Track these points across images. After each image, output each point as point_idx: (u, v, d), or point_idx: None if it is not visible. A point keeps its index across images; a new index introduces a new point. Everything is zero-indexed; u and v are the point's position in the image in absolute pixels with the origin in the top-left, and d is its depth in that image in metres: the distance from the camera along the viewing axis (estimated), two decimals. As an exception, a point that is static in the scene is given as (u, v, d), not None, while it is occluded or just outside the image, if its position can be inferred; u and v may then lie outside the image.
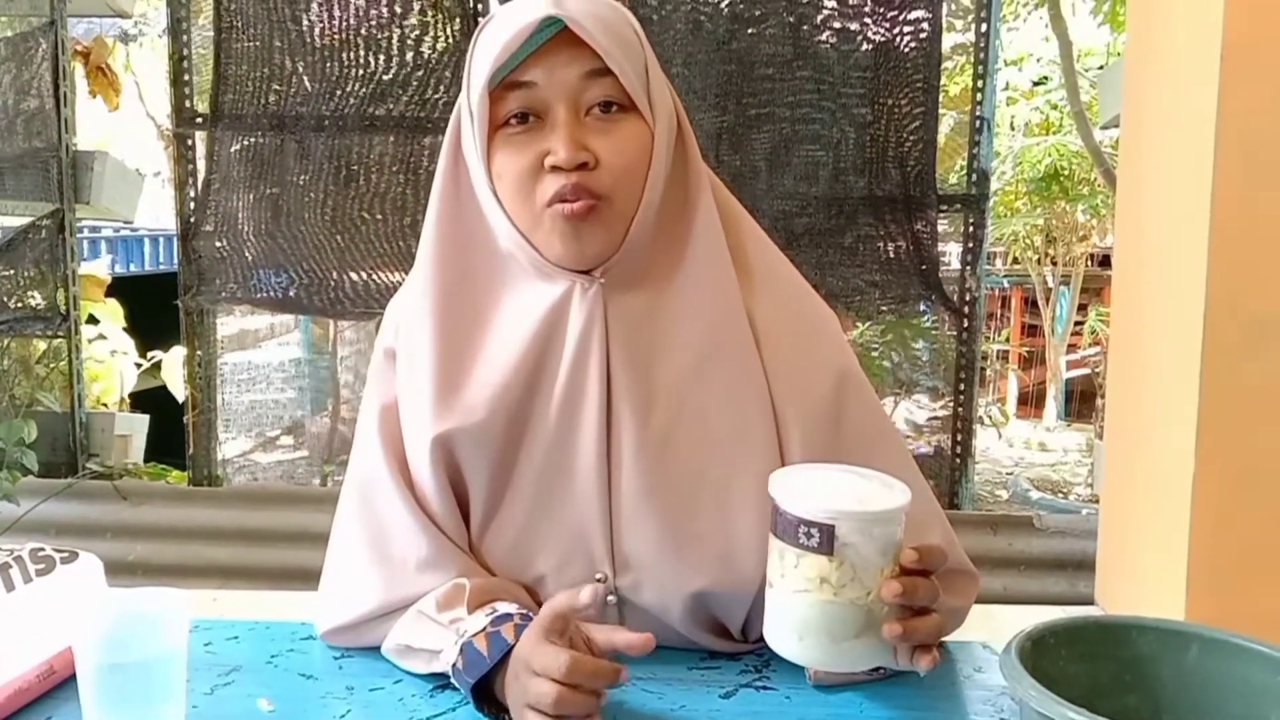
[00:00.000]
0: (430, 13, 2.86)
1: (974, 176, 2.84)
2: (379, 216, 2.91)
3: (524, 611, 0.93)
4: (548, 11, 0.91)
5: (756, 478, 0.94)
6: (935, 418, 3.03)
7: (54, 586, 0.95)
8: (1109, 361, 2.08)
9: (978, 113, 2.81)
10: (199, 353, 3.07)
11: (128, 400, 3.82)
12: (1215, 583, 1.56)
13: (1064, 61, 4.19)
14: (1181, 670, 0.80)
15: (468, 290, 1.02)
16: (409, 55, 2.88)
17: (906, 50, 2.72)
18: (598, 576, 0.99)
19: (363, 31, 2.88)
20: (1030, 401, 8.28)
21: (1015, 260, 8.02)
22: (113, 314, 3.76)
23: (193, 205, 2.99)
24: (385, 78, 2.88)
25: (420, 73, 2.88)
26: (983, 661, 1.05)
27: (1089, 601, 2.21)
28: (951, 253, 3.06)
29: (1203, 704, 0.79)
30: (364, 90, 2.89)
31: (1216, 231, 1.51)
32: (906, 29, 2.71)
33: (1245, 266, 1.52)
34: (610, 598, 0.99)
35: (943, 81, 2.82)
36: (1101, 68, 6.15)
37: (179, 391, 3.31)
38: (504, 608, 0.93)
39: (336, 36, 2.89)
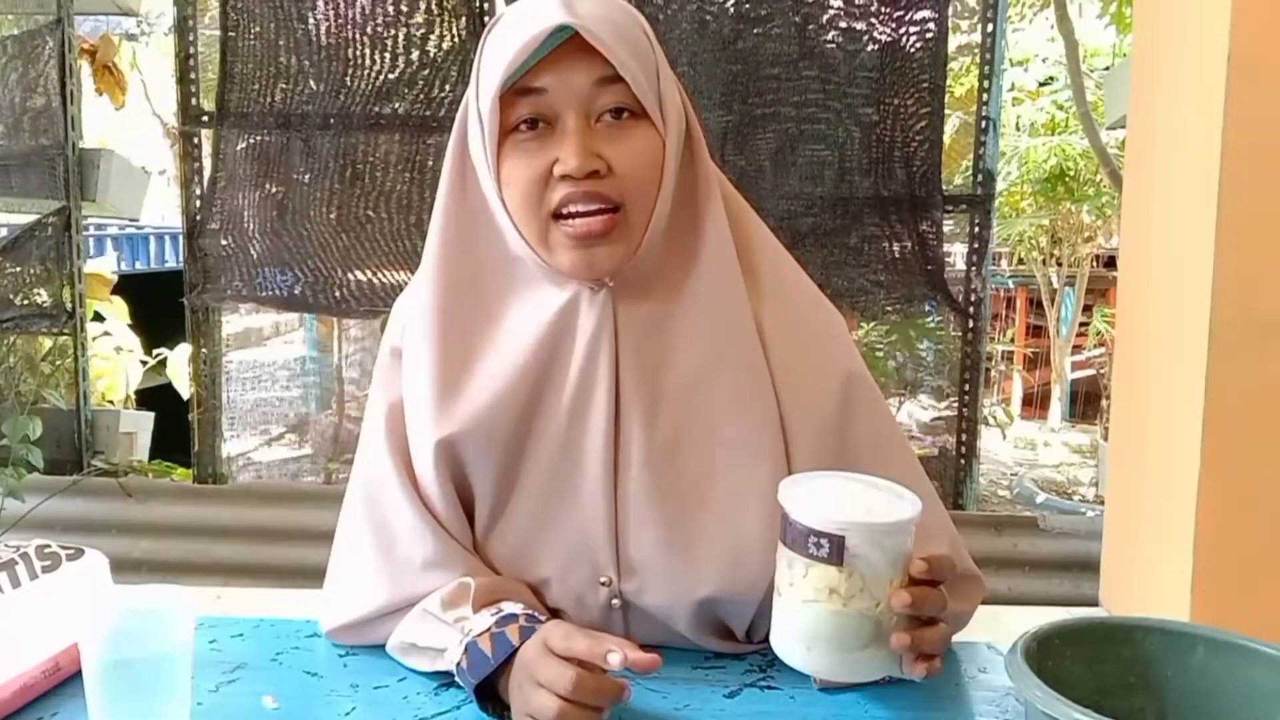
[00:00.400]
0: (436, 11, 2.86)
1: (979, 177, 2.84)
2: (384, 215, 2.91)
3: (529, 612, 0.93)
4: (560, 18, 0.90)
5: (763, 484, 0.94)
6: (940, 418, 3.03)
7: (60, 583, 0.95)
8: (1114, 362, 2.07)
9: (983, 113, 2.81)
10: (204, 350, 3.08)
11: (133, 398, 3.83)
12: (1220, 585, 1.56)
13: (1070, 62, 4.18)
14: (1187, 671, 0.79)
15: (473, 292, 1.01)
16: (415, 54, 2.88)
17: (912, 50, 2.72)
18: (602, 581, 0.99)
19: (368, 30, 2.88)
20: (1035, 402, 8.26)
21: (1020, 261, 8.00)
22: (118, 312, 3.77)
23: (198, 203, 2.99)
24: (391, 76, 2.89)
25: (426, 71, 2.88)
26: (987, 662, 1.05)
27: (1093, 603, 2.20)
28: (957, 253, 3.05)
29: (1208, 705, 0.78)
30: (369, 89, 2.89)
31: (1223, 233, 1.51)
32: (912, 29, 2.71)
33: (1252, 268, 1.52)
34: (615, 601, 0.99)
35: (948, 82, 2.82)
36: (1107, 68, 6.14)
37: (185, 388, 3.31)
38: (509, 608, 0.93)
39: (342, 35, 2.89)
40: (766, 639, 0.91)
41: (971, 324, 2.86)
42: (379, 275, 2.95)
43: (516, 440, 0.98)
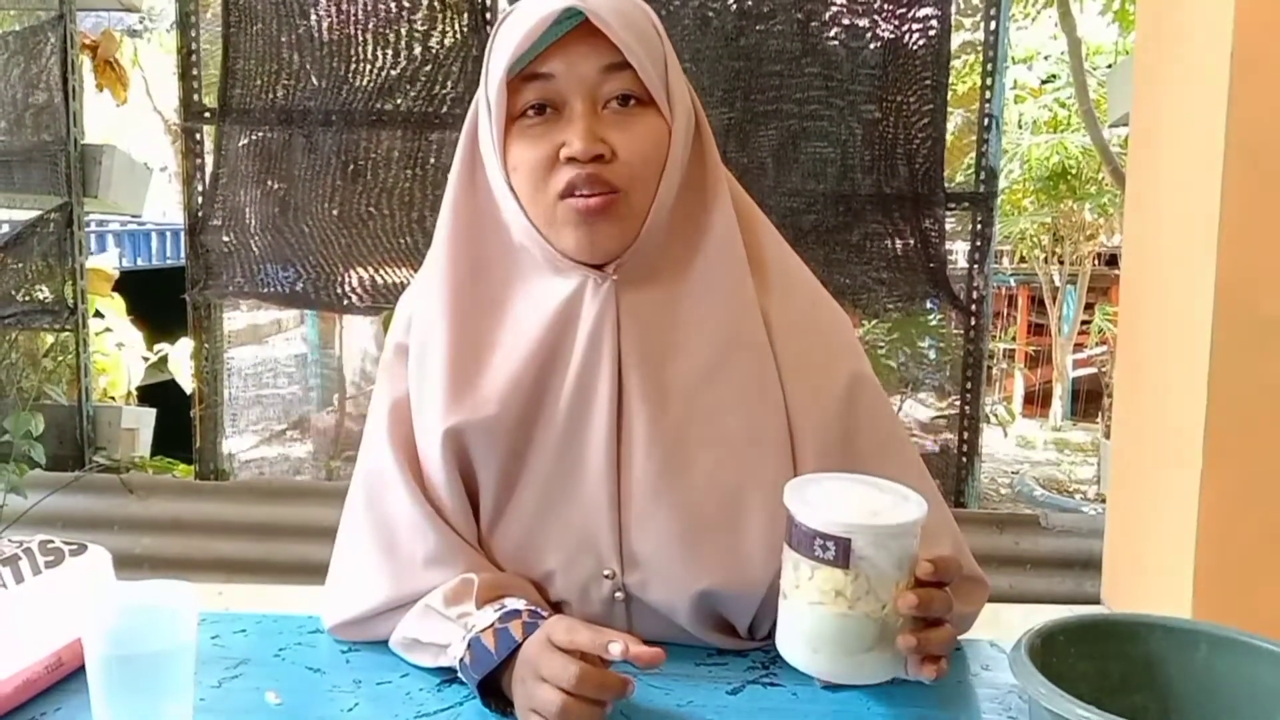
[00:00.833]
0: (438, 7, 2.86)
1: (982, 175, 2.83)
2: (386, 212, 2.91)
3: (533, 608, 0.93)
4: (569, 3, 0.90)
5: (768, 479, 0.94)
6: (941, 416, 3.03)
7: (63, 578, 0.95)
8: (1117, 360, 2.08)
9: (986, 110, 2.80)
10: (206, 347, 3.08)
11: (134, 394, 3.83)
12: (1222, 583, 1.56)
13: (1072, 60, 4.18)
14: (1190, 669, 0.79)
15: (481, 283, 1.01)
16: (417, 50, 2.88)
17: (915, 48, 2.72)
18: (605, 573, 0.99)
19: (371, 26, 2.88)
20: (1036, 400, 8.26)
21: (1022, 259, 8.00)
22: (118, 308, 3.77)
23: (200, 200, 3.00)
24: (393, 73, 2.89)
25: (428, 68, 2.88)
26: (990, 659, 1.05)
27: (1095, 601, 2.21)
28: (959, 251, 3.06)
29: (1211, 703, 0.78)
30: (372, 85, 2.89)
31: (1225, 230, 1.51)
32: (915, 26, 2.71)
33: (1255, 266, 1.52)
34: (618, 594, 0.99)
35: (951, 79, 2.82)
36: (1110, 66, 6.13)
37: (187, 383, 3.32)
38: (513, 604, 0.93)
39: (344, 31, 2.89)
40: (769, 636, 0.91)
41: (973, 322, 2.86)
42: (381, 272, 2.95)
43: (521, 431, 0.99)
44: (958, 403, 2.92)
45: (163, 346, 3.83)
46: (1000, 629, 1.05)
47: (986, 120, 2.81)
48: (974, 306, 2.84)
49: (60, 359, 3.31)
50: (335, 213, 2.92)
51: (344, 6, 2.87)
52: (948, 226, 2.81)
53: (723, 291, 0.99)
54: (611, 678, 0.83)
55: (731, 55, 2.74)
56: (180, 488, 3.09)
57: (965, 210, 2.85)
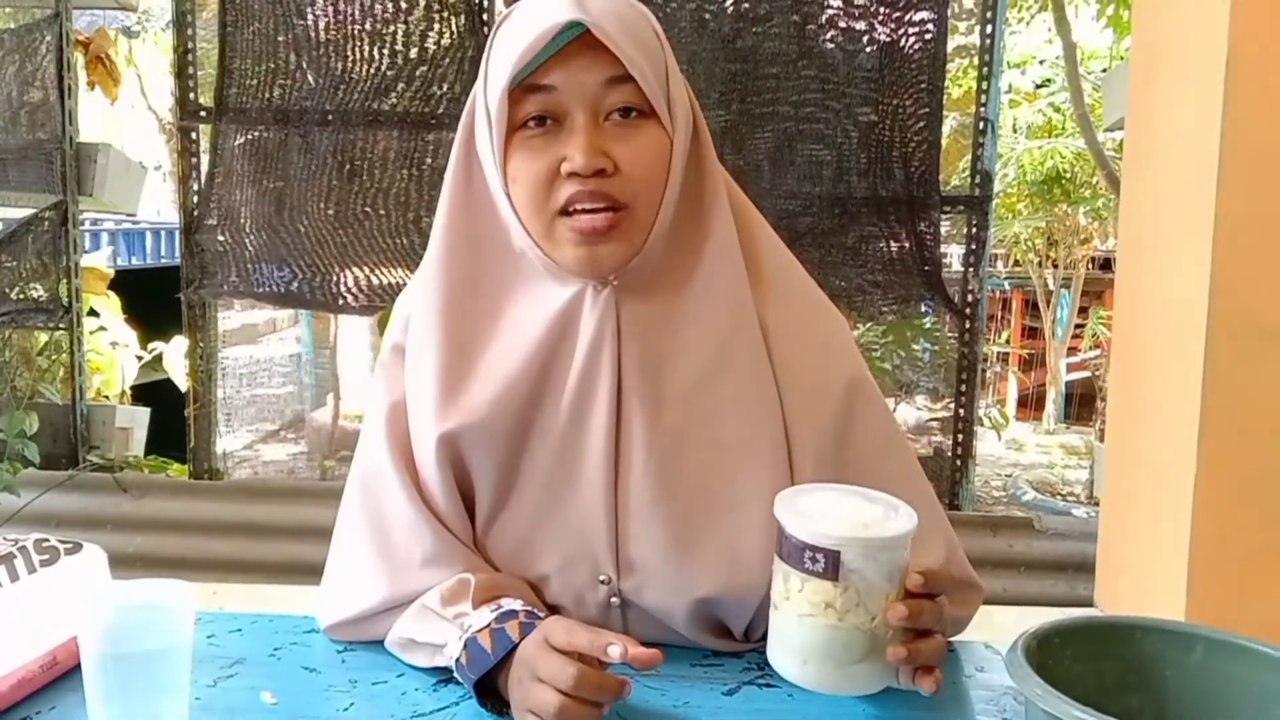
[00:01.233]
0: (435, 7, 2.86)
1: (977, 178, 2.84)
2: (382, 212, 2.91)
3: (529, 609, 0.93)
4: (571, 15, 0.89)
5: (765, 485, 0.94)
6: (936, 419, 3.03)
7: (58, 577, 0.95)
8: (1111, 364, 2.08)
9: (981, 114, 2.81)
10: (200, 346, 3.08)
11: (129, 393, 3.82)
12: (1216, 586, 1.56)
13: (1067, 64, 4.19)
14: (1186, 671, 0.80)
15: (477, 286, 1.01)
16: (413, 50, 2.88)
17: (911, 51, 2.73)
18: (601, 579, 0.98)
19: (367, 26, 2.88)
20: (1030, 404, 8.28)
21: (1016, 262, 8.02)
22: (113, 307, 3.76)
23: (195, 199, 2.99)
24: (389, 73, 2.89)
25: (424, 68, 2.88)
26: (985, 661, 1.05)
27: (1088, 603, 2.21)
28: (953, 254, 3.06)
29: (1207, 705, 0.79)
30: (368, 85, 2.89)
31: (1221, 235, 1.51)
32: (911, 30, 2.72)
33: (1250, 270, 1.52)
34: (614, 600, 0.99)
35: (946, 83, 2.82)
36: (1105, 71, 6.15)
37: (183, 382, 3.31)
38: (509, 604, 0.93)
39: (341, 31, 2.89)
40: (764, 638, 0.91)
41: (968, 325, 2.87)
42: (376, 272, 2.95)
43: (517, 436, 0.98)
44: (952, 405, 2.93)
45: (157, 345, 3.82)
46: (994, 631, 1.05)
47: (981, 124, 2.81)
48: (968, 309, 2.85)
49: (54, 358, 3.31)
50: (331, 212, 2.92)
51: (340, 6, 2.87)
52: (943, 230, 2.82)
53: (721, 296, 0.99)
54: (609, 679, 0.83)
55: (728, 57, 2.74)
56: (174, 487, 3.09)
57: (960, 213, 2.86)
